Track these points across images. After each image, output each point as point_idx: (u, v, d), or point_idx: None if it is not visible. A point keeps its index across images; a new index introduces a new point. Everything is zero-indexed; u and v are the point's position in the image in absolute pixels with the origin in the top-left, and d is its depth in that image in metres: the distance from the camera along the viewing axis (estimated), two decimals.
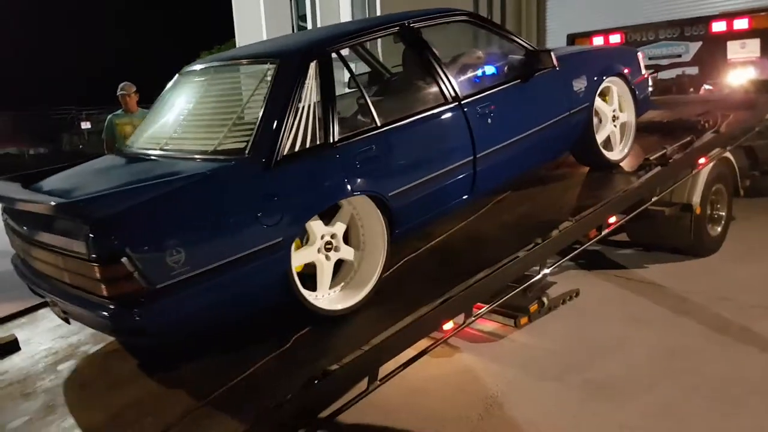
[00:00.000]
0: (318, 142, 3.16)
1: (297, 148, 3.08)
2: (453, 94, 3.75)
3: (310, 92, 3.21)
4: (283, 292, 3.01)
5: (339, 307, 3.20)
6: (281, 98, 3.13)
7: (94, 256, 2.55)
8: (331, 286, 3.29)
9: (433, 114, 3.67)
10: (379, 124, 3.42)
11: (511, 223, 4.07)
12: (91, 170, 3.61)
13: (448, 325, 3.26)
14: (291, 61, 3.28)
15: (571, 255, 4.12)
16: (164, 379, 2.97)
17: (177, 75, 3.92)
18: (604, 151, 4.63)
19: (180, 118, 3.64)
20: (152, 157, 3.43)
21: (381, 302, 3.27)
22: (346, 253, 3.33)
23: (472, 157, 3.73)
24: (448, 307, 3.17)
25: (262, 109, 3.09)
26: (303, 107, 3.15)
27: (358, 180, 3.24)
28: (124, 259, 2.52)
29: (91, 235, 2.55)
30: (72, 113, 19.97)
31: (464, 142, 3.72)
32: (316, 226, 3.18)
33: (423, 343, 3.16)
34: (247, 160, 2.98)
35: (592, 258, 5.71)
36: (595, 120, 4.58)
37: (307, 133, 3.13)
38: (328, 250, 3.25)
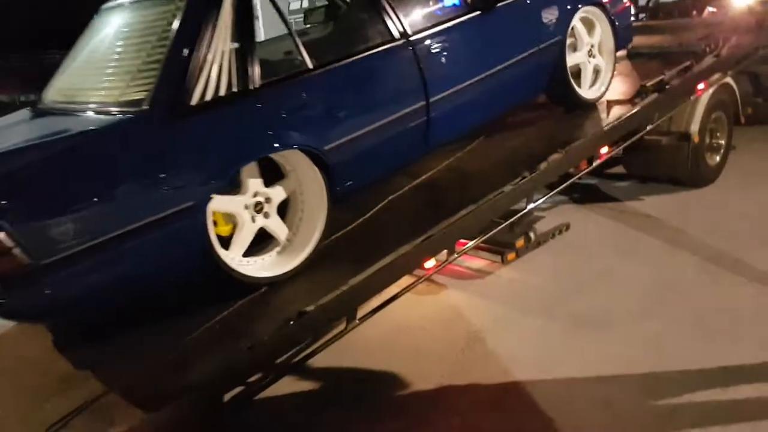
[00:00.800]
0: (233, 90, 2.80)
1: (207, 98, 2.71)
2: (400, 30, 3.40)
3: (224, 30, 2.81)
4: (202, 261, 2.71)
5: (266, 274, 2.94)
6: (186, 39, 2.75)
7: None
8: (263, 253, 3.03)
9: (374, 54, 3.33)
10: (310, 67, 3.09)
11: (501, 159, 3.95)
12: None
13: (430, 263, 3.23)
14: None
15: (560, 188, 4.02)
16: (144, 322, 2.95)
17: (95, 14, 3.47)
18: (579, 90, 4.27)
19: (90, 65, 3.26)
20: (56, 112, 3.10)
21: (362, 242, 3.22)
22: (276, 226, 3.01)
23: (424, 103, 3.41)
24: (429, 245, 3.12)
25: (166, 53, 2.74)
26: (214, 48, 2.76)
27: (286, 133, 2.91)
28: (1, 234, 2.21)
29: None
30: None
31: (414, 85, 3.39)
32: (252, 180, 2.90)
33: (405, 282, 3.14)
34: (146, 113, 2.61)
35: (586, 192, 5.61)
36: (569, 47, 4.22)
37: (220, 80, 2.76)
38: (257, 211, 2.94)
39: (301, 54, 3.10)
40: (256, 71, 2.86)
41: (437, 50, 3.49)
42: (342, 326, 2.85)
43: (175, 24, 2.78)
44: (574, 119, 4.38)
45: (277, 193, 3.00)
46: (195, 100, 2.69)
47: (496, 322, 3.56)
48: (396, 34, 3.37)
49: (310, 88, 3.05)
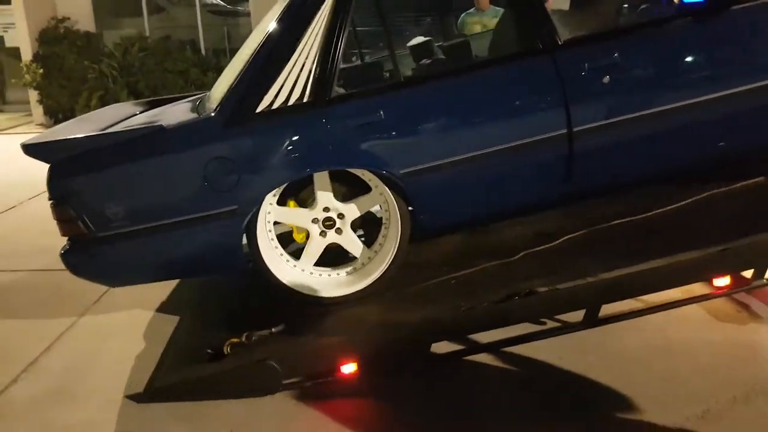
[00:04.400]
0: (303, 100, 2.65)
1: (274, 106, 2.64)
2: (546, 37, 2.72)
3: (308, 44, 2.67)
4: (236, 261, 2.76)
5: (327, 294, 2.80)
6: (266, 48, 2.70)
7: (49, 196, 2.68)
8: (338, 268, 2.88)
9: (491, 71, 2.83)
10: (402, 80, 2.82)
11: None
12: (120, 113, 3.43)
13: (722, 281, 2.60)
14: None
15: None
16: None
17: None
18: None
19: (230, 69, 3.23)
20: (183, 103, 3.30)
21: (642, 237, 2.77)
22: (349, 243, 2.82)
23: (564, 131, 2.69)
24: (723, 259, 2.50)
25: (247, 61, 2.70)
26: (294, 60, 2.66)
27: (350, 151, 2.67)
28: (66, 205, 2.62)
29: (47, 176, 2.66)
30: None
31: (549, 110, 2.72)
32: (323, 193, 2.76)
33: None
34: (213, 117, 2.67)
35: None
36: None
37: (293, 91, 2.65)
38: (328, 227, 2.79)
39: (389, 69, 2.81)
40: (332, 84, 2.67)
41: (599, 67, 2.69)
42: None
43: (264, 34, 2.77)
44: None
45: (351, 210, 2.80)
46: (262, 107, 2.65)
47: None
48: (537, 43, 2.74)
49: (390, 105, 2.70)
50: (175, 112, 3.15)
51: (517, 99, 2.77)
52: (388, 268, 2.79)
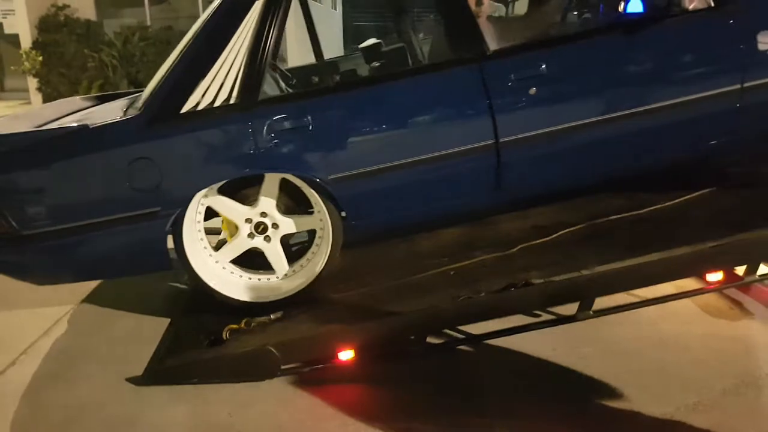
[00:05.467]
0: (230, 101, 2.64)
1: (200, 106, 2.63)
2: (474, 46, 2.72)
3: (237, 46, 2.65)
4: (162, 262, 2.75)
5: (225, 291, 2.83)
6: (194, 49, 2.71)
7: None
8: (259, 273, 2.89)
9: (420, 79, 2.84)
10: (331, 85, 2.82)
11: None
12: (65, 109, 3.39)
13: (715, 276, 2.64)
14: None
15: None
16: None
17: None
18: None
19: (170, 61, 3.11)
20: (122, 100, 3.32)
21: (642, 232, 2.81)
22: (273, 253, 2.82)
23: (491, 142, 2.71)
24: (717, 254, 2.54)
25: (174, 61, 2.71)
26: (221, 62, 2.64)
27: (275, 156, 2.65)
28: None
29: None
30: None
31: (475, 120, 2.72)
32: (266, 198, 2.75)
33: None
34: (135, 117, 2.65)
35: None
36: None
37: (220, 92, 2.64)
38: (262, 232, 2.79)
39: (320, 73, 2.84)
40: (260, 86, 2.67)
41: (524, 77, 2.69)
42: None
43: (193, 34, 2.77)
44: None
45: (286, 224, 2.80)
46: (187, 108, 2.63)
47: None
48: (466, 53, 2.74)
49: (318, 110, 2.70)
50: (108, 111, 3.11)
51: (444, 108, 2.76)
52: (319, 274, 2.81)
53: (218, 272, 2.86)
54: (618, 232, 2.81)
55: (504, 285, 2.50)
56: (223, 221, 2.97)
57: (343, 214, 2.78)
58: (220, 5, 2.76)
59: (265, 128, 2.64)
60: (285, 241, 2.88)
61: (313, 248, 2.87)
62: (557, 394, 2.52)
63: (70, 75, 9.76)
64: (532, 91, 2.68)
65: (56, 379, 2.76)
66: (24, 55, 9.93)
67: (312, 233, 2.89)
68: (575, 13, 3.44)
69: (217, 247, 2.93)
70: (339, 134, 2.72)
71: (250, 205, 2.80)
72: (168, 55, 3.18)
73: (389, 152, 2.71)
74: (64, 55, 9.77)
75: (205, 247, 2.86)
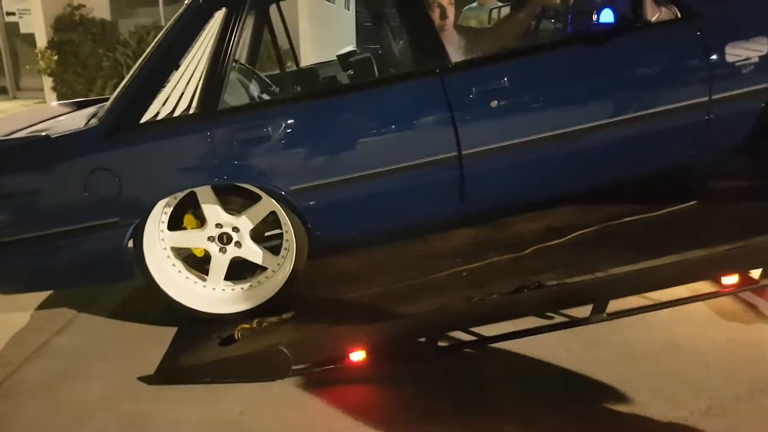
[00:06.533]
0: (190, 111, 2.64)
1: (159, 116, 2.62)
2: (436, 59, 2.70)
3: (197, 56, 2.65)
4: (122, 273, 2.77)
5: (225, 310, 2.87)
6: (155, 59, 2.71)
7: None
8: (241, 282, 2.93)
9: (383, 90, 2.83)
10: (291, 96, 2.84)
11: None
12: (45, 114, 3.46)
13: (730, 280, 2.62)
14: (196, 5, 2.73)
15: None
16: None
17: None
18: None
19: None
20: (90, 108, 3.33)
21: (655, 234, 2.79)
22: (251, 254, 2.83)
23: (455, 154, 2.70)
24: (731, 257, 2.52)
25: (134, 71, 2.72)
26: (181, 71, 2.65)
27: (235, 166, 2.65)
28: None
29: None
30: None
31: (437, 133, 2.71)
32: (211, 209, 2.74)
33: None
34: (95, 127, 2.67)
35: None
36: None
37: (179, 102, 2.64)
38: (225, 242, 2.79)
39: (282, 83, 2.86)
40: (220, 96, 2.66)
41: (485, 91, 2.67)
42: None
43: (155, 43, 2.77)
44: None
45: (244, 222, 2.79)
46: (147, 117, 2.63)
47: None
48: (426, 65, 2.74)
49: (278, 121, 2.67)
50: (75, 119, 3.12)
51: (407, 120, 2.75)
52: (286, 282, 2.81)
53: (180, 282, 2.89)
54: (632, 235, 2.80)
55: (517, 287, 2.49)
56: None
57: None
58: (181, 14, 2.78)
59: (225, 138, 2.64)
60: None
61: (279, 259, 2.88)
62: (569, 396, 2.50)
63: (85, 74, 9.82)
64: (494, 104, 2.67)
65: (69, 376, 2.77)
66: (39, 55, 10.02)
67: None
68: (548, 23, 3.38)
69: (187, 261, 2.95)
70: (300, 145, 2.71)
71: (201, 225, 2.82)
72: None
73: (352, 163, 2.71)
74: (79, 55, 9.84)
75: (174, 265, 2.88)
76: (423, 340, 2.55)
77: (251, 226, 2.82)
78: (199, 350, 2.70)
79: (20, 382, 2.76)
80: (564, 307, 2.59)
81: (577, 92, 2.79)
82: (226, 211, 2.80)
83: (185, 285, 2.89)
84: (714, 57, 2.71)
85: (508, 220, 3.18)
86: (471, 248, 3.00)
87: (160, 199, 2.69)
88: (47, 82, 10.30)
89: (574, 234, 2.85)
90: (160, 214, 2.77)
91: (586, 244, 2.79)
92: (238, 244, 2.82)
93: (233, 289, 2.91)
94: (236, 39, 2.69)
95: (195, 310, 2.87)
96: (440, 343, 2.55)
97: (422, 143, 2.72)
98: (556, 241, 2.85)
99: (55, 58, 9.99)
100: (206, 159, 2.64)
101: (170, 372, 2.66)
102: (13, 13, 11.69)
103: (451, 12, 2.82)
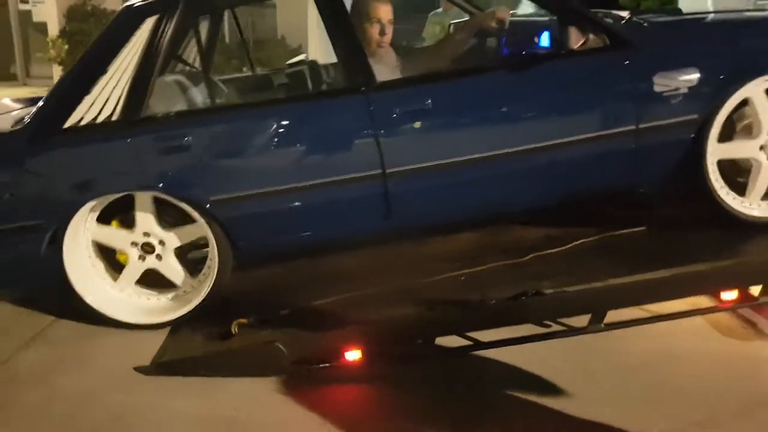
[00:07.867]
0: (113, 118, 2.65)
1: (83, 122, 2.64)
2: (362, 77, 2.72)
3: (125, 61, 2.65)
4: (42, 276, 2.82)
5: (151, 320, 2.89)
6: (83, 64, 2.77)
7: None
8: (164, 292, 2.95)
9: (310, 105, 2.88)
10: (215, 106, 2.86)
11: None
12: None
13: (729, 295, 2.61)
14: (126, 12, 2.79)
15: None
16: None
17: None
18: (732, 200, 2.78)
19: None
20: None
21: (657, 246, 2.78)
22: (170, 270, 2.85)
23: (378, 171, 2.72)
24: (732, 273, 2.52)
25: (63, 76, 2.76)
26: (108, 77, 2.66)
27: (153, 174, 2.67)
28: None
29: None
30: None
31: (362, 150, 2.73)
32: (143, 217, 2.77)
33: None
34: (19, 130, 2.71)
35: None
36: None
37: (104, 108, 2.65)
38: (147, 251, 2.82)
39: (207, 92, 2.90)
40: (144, 104, 2.67)
41: (409, 112, 2.69)
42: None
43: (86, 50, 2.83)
44: None
45: (171, 238, 2.81)
46: (70, 123, 2.65)
47: None
48: (353, 84, 2.78)
49: (200, 131, 2.71)
50: (7, 120, 3.12)
51: (333, 136, 2.78)
52: (208, 294, 2.81)
53: (103, 289, 2.92)
54: (633, 246, 2.80)
55: (515, 293, 2.49)
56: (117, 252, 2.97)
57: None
58: (112, 21, 2.84)
59: (145, 146, 2.67)
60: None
61: (205, 270, 2.89)
62: (563, 405, 2.50)
63: None
64: (417, 124, 2.69)
65: (64, 366, 2.78)
66: (50, 43, 10.06)
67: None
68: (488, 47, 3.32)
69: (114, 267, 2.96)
70: (220, 156, 2.74)
71: (130, 228, 2.83)
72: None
73: (273, 176, 2.73)
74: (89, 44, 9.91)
75: (93, 265, 2.90)
76: (419, 342, 2.55)
77: (178, 244, 2.85)
78: (195, 343, 2.71)
79: (15, 370, 2.77)
80: (562, 315, 2.57)
81: (500, 116, 2.82)
82: (159, 223, 2.83)
83: (101, 287, 2.90)
84: (642, 86, 2.71)
85: (508, 226, 3.17)
86: (470, 253, 3.00)
87: (82, 204, 2.70)
88: (57, 70, 10.34)
89: (574, 243, 2.84)
90: (85, 218, 2.78)
91: (587, 253, 2.79)
92: (159, 257, 2.85)
93: (158, 299, 2.95)
94: (165, 47, 2.71)
95: (109, 317, 2.89)
96: (436, 346, 2.55)
97: (347, 160, 2.76)
98: (556, 249, 2.83)
99: (66, 47, 10.03)
100: (127, 166, 2.69)
101: (166, 364, 2.66)
102: (27, 2, 11.72)
103: (389, 29, 2.81)
